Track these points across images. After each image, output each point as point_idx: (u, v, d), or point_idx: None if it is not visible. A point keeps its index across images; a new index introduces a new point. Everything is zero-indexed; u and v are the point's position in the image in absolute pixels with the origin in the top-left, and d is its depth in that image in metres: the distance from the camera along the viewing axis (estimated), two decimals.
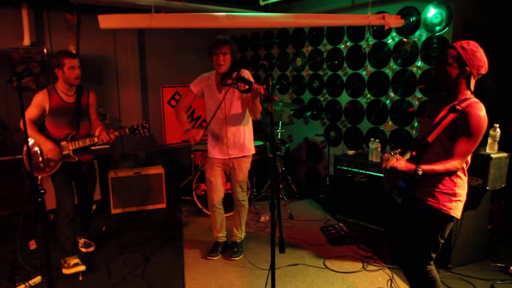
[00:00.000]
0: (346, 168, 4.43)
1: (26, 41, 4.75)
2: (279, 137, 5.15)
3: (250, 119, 3.56)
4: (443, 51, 2.28)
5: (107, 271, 3.47)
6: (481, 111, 2.15)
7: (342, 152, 5.16)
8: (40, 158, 3.30)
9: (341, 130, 5.34)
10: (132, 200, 4.90)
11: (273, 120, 2.46)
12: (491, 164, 3.18)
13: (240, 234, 3.80)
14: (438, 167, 2.21)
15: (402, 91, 4.54)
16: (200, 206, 4.68)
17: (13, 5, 4.67)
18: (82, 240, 3.83)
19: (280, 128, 5.17)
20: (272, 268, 2.46)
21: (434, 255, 2.42)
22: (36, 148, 3.31)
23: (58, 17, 5.09)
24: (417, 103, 4.42)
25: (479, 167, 3.23)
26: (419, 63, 4.34)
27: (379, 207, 4.13)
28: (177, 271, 3.48)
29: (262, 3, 5.09)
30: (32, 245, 3.85)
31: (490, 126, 3.24)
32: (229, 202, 3.94)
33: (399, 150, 2.23)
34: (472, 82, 2.22)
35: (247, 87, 2.99)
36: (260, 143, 5.20)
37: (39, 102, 3.23)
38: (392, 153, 2.18)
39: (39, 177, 3.34)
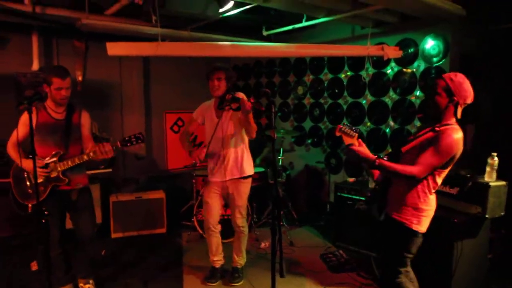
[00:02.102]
0: (346, 195, 4.45)
1: (35, 66, 4.87)
2: (280, 163, 5.19)
3: (247, 141, 3.62)
4: (433, 81, 2.45)
5: None
6: (456, 134, 2.31)
7: (343, 179, 5.19)
8: (28, 184, 3.06)
9: (341, 157, 5.39)
10: (132, 224, 4.89)
11: (275, 147, 2.53)
12: (490, 192, 3.21)
13: (240, 260, 3.78)
14: (397, 167, 2.33)
15: (402, 120, 4.62)
16: (200, 231, 4.67)
17: (24, 32, 4.83)
18: (86, 286, 3.37)
19: (281, 155, 5.22)
20: None
21: (402, 270, 2.51)
22: (24, 174, 3.08)
23: (66, 43, 5.24)
24: None
25: (478, 195, 3.26)
26: (417, 93, 4.43)
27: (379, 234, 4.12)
28: None
29: (265, 33, 5.24)
30: (34, 266, 3.83)
31: (488, 153, 3.31)
32: (229, 228, 3.94)
33: (358, 129, 2.45)
34: (459, 111, 2.39)
35: (237, 105, 3.08)
36: (261, 169, 5.24)
37: (25, 120, 2.92)
38: (346, 127, 2.42)
39: (29, 205, 3.06)
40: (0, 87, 4.80)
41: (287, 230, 4.91)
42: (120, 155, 5.78)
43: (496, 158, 3.28)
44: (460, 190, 3.41)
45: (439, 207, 3.50)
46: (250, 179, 3.66)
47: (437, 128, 2.36)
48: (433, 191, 2.46)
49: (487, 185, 3.22)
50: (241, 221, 3.65)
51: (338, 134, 2.42)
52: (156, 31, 4.00)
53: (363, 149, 2.36)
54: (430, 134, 2.38)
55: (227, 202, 3.71)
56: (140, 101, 6.01)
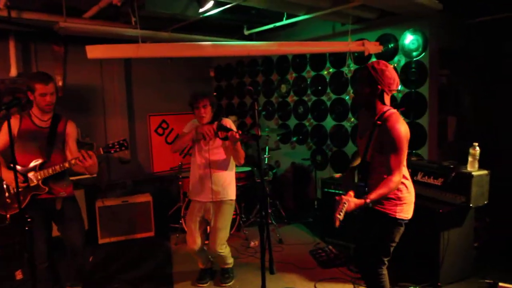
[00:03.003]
0: (333, 191, 4.47)
1: (13, 72, 4.77)
2: (266, 162, 5.19)
3: (234, 167, 3.61)
4: (358, 71, 2.47)
5: None
6: (399, 123, 2.34)
7: (329, 175, 5.22)
8: (7, 193, 2.93)
9: (327, 154, 5.42)
10: (120, 229, 4.83)
11: (260, 146, 2.53)
12: (473, 182, 3.27)
13: (228, 265, 3.72)
14: (383, 190, 2.33)
15: None
16: None
17: (0, 37, 4.72)
18: None
19: (267, 154, 5.22)
20: None
21: (386, 260, 2.55)
22: (3, 183, 2.95)
23: (45, 48, 5.16)
24: None
25: (461, 185, 3.33)
26: (399, 87, 4.48)
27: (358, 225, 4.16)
28: None
29: (246, 33, 5.24)
30: (18, 275, 3.75)
31: (470, 144, 3.37)
32: None
33: (343, 199, 2.29)
34: (386, 98, 2.43)
35: (225, 134, 3.13)
36: (247, 169, 5.24)
37: (6, 128, 2.69)
38: (341, 212, 2.25)
39: (8, 215, 2.92)
40: None
41: (276, 228, 4.92)
42: (104, 160, 5.70)
43: (477, 148, 3.35)
44: (444, 181, 3.48)
45: (424, 198, 3.59)
46: (233, 203, 3.61)
47: (378, 122, 2.38)
48: (407, 176, 2.51)
49: (470, 175, 3.29)
50: (220, 247, 3.47)
51: (338, 223, 2.29)
52: (136, 32, 3.96)
53: (353, 203, 2.30)
54: (376, 131, 2.40)
55: (209, 224, 3.61)
56: (123, 105, 5.95)
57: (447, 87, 4.42)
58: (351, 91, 4.99)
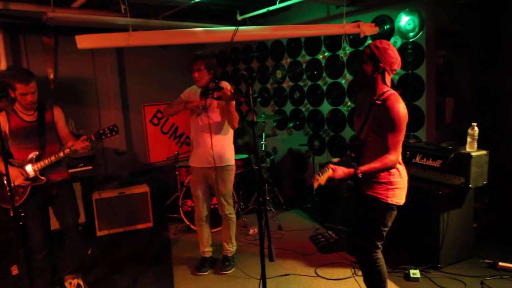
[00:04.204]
0: None
1: (3, 66, 4.68)
2: (263, 149, 5.16)
3: (231, 130, 3.58)
4: (360, 52, 2.44)
5: None
6: (399, 103, 2.32)
7: (327, 160, 5.18)
8: (7, 188, 2.96)
9: (324, 139, 5.38)
10: (117, 221, 4.80)
11: (256, 132, 2.49)
12: (472, 162, 3.25)
13: (231, 248, 3.76)
14: (376, 164, 2.31)
15: None
16: (187, 222, 4.63)
17: None
18: (75, 281, 3.29)
19: (264, 140, 5.18)
20: (263, 277, 2.44)
21: (379, 244, 2.54)
22: (4, 179, 2.94)
23: (34, 40, 5.05)
24: None
25: (460, 165, 3.30)
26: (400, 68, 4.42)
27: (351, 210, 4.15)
28: None
29: (239, 18, 5.14)
30: (14, 270, 3.73)
31: (468, 125, 3.34)
32: (217, 217, 3.91)
33: (329, 165, 2.31)
34: (387, 78, 2.41)
35: (219, 94, 3.13)
36: (245, 156, 5.20)
37: None
38: (320, 173, 2.25)
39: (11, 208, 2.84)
40: None
41: (275, 214, 4.90)
42: (100, 152, 5.66)
43: (476, 128, 3.32)
44: (443, 163, 3.45)
45: (423, 180, 3.57)
46: (233, 167, 3.63)
47: (377, 102, 2.37)
48: (401, 161, 2.47)
49: (469, 155, 3.26)
50: (228, 208, 3.63)
51: (316, 185, 2.27)
52: (127, 21, 3.87)
53: (341, 171, 2.29)
54: (374, 110, 2.38)
55: (212, 191, 3.67)
56: (117, 95, 5.87)
57: (444, 68, 4.36)
58: (347, 74, 4.93)
